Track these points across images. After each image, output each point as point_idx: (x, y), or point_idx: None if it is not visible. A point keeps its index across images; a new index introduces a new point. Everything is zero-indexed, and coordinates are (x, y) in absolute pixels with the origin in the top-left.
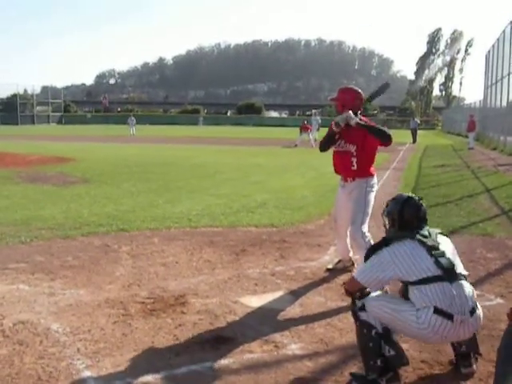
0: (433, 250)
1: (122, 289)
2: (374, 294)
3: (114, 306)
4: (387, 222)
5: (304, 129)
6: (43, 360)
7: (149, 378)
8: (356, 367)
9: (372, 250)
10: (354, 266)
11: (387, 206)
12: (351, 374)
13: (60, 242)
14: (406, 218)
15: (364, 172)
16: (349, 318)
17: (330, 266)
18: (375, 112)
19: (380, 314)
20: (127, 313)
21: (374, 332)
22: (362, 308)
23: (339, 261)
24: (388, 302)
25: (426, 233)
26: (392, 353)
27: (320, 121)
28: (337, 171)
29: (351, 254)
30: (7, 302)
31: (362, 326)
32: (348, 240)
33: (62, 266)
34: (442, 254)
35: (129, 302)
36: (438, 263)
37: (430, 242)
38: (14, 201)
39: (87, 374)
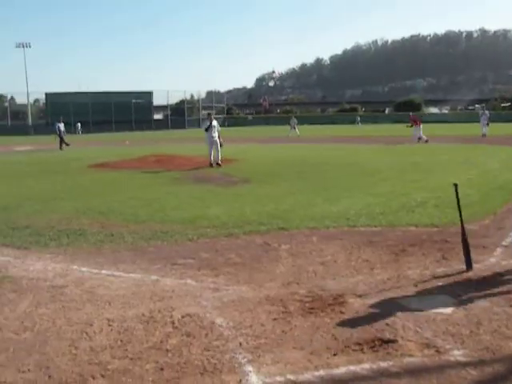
0: None
1: (282, 286)
2: None
3: (274, 303)
4: None
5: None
6: (208, 352)
7: (308, 375)
8: None
9: None
10: None
11: None
12: None
13: (224, 239)
14: None
15: None
16: None
17: None
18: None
19: None
20: (287, 310)
21: None
22: None
23: None
24: None
25: None
26: None
27: (489, 114)
28: None
29: None
30: (176, 295)
31: None
32: None
33: (226, 262)
34: None
35: (288, 300)
36: None
37: None
38: (182, 200)
39: (249, 368)
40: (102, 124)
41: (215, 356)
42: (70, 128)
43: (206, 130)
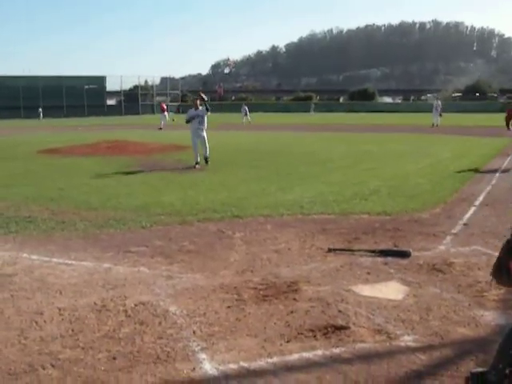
0: None
1: (236, 274)
2: None
3: (228, 291)
4: None
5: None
6: (162, 340)
7: (261, 362)
8: (473, 363)
9: None
10: None
11: None
12: (471, 373)
13: (177, 227)
14: None
15: None
16: (465, 311)
17: None
18: (495, 95)
19: None
20: (240, 298)
21: None
22: None
23: None
24: None
25: None
26: None
27: (441, 105)
28: None
29: None
30: (129, 283)
31: None
32: None
33: (180, 250)
34: None
35: (242, 288)
36: None
37: None
38: (135, 187)
39: (202, 356)
40: (53, 109)
41: (168, 344)
42: (20, 113)
43: (188, 121)
